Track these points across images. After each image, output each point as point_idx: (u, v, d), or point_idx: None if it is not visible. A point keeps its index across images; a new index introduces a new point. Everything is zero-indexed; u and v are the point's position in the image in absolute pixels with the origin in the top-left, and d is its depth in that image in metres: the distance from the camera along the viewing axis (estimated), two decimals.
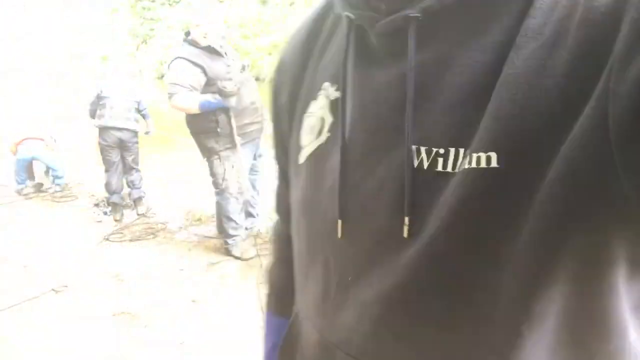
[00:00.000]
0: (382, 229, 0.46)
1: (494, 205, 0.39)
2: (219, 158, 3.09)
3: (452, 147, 0.41)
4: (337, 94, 0.51)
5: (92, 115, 4.22)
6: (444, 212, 0.41)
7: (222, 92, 2.85)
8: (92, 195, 4.82)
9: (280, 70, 0.63)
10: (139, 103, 4.22)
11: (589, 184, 0.35)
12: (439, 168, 0.42)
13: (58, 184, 4.98)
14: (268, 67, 14.96)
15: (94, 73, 20.72)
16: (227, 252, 3.38)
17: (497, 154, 0.38)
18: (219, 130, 2.98)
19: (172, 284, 3.09)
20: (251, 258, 3.32)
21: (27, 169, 4.97)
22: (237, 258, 3.33)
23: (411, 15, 0.41)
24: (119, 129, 4.07)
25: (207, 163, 3.23)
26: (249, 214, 3.54)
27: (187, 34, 3.04)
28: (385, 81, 0.46)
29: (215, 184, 3.24)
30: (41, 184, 5.07)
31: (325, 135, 0.52)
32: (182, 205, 4.87)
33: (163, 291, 3.00)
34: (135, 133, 4.23)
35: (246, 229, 3.52)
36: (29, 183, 5.01)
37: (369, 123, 0.48)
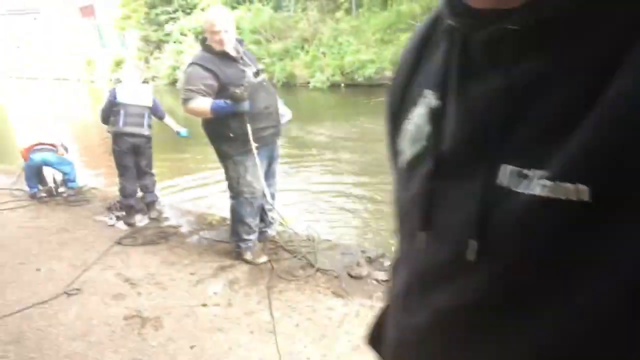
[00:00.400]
0: (456, 245, 0.46)
1: (578, 241, 0.37)
2: (233, 162, 3.11)
3: (539, 169, 0.39)
4: (436, 103, 0.51)
5: (105, 121, 4.25)
6: (519, 238, 0.40)
7: (232, 97, 2.87)
8: (105, 199, 4.87)
9: (394, 74, 0.64)
10: (152, 108, 4.25)
11: None
12: (521, 190, 0.40)
13: (71, 188, 5.04)
14: (280, 73, 15.04)
15: (106, 78, 20.94)
16: (238, 256, 3.38)
17: (589, 188, 0.35)
18: (231, 135, 3.00)
19: (183, 287, 3.10)
20: (262, 263, 3.32)
21: (37, 174, 5.04)
22: (248, 262, 3.33)
23: (509, 27, 0.40)
24: (133, 135, 4.10)
25: (222, 167, 3.27)
26: (262, 219, 3.54)
27: (203, 40, 3.07)
28: (482, 94, 0.45)
29: (230, 187, 3.25)
30: (52, 189, 5.13)
31: (421, 143, 0.53)
32: (194, 209, 4.90)
33: (174, 295, 3.01)
34: (149, 139, 4.25)
35: (259, 233, 3.53)
36: (41, 188, 5.08)
37: (462, 136, 0.47)
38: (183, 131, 4.55)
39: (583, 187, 0.35)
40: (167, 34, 19.07)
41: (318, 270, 3.16)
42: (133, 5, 20.28)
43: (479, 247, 0.43)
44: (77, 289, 3.13)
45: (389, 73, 13.22)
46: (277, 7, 18.35)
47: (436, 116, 0.51)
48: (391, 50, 13.64)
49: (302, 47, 15.64)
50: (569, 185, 0.36)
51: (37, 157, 4.85)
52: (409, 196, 0.55)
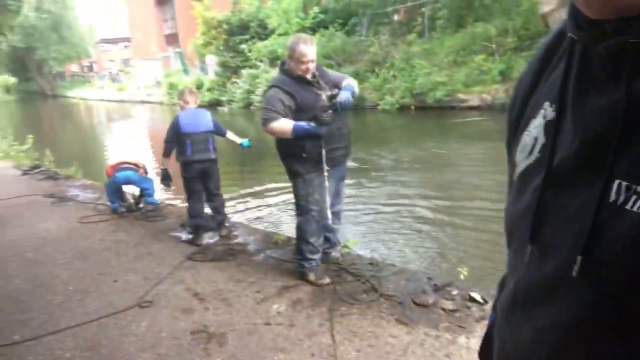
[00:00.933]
0: (561, 262, 0.46)
1: None
2: (303, 180, 3.18)
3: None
4: (553, 115, 0.51)
5: (167, 154, 4.37)
6: (629, 256, 0.39)
7: (318, 120, 2.97)
8: (180, 216, 5.09)
9: (515, 88, 0.65)
10: (214, 131, 4.35)
11: None
12: (634, 208, 0.39)
13: (150, 203, 5.34)
14: None
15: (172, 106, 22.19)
16: (302, 276, 3.38)
17: None
18: (304, 155, 3.09)
19: (248, 305, 3.14)
20: (325, 284, 3.29)
21: (119, 191, 5.39)
22: (311, 283, 3.33)
23: (630, 41, 0.40)
24: (202, 162, 4.24)
25: (291, 186, 3.34)
26: (327, 240, 3.54)
27: (282, 63, 3.21)
28: (599, 107, 0.45)
29: (297, 205, 3.31)
30: (131, 204, 5.46)
31: (535, 155, 0.53)
32: (261, 227, 5.00)
33: (239, 312, 3.06)
34: (215, 161, 4.37)
35: (323, 254, 3.52)
36: (121, 203, 5.42)
37: (576, 149, 0.47)
38: (244, 141, 4.66)
39: None
40: (244, 60, 19.96)
41: (381, 295, 3.09)
42: (213, 32, 21.49)
43: (582, 263, 0.43)
44: (149, 302, 3.27)
45: (461, 95, 12.92)
46: (350, 32, 18.66)
47: (552, 128, 0.51)
48: (464, 72, 13.35)
49: (373, 71, 15.72)
50: None
51: (121, 175, 5.21)
52: (521, 209, 0.55)
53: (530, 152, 0.54)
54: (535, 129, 0.54)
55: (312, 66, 3.08)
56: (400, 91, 13.87)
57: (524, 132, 0.57)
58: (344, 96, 3.04)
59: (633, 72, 0.40)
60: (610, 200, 0.41)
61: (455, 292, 3.02)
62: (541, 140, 0.52)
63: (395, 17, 19.51)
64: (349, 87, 3.16)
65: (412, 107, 13.57)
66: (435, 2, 17.05)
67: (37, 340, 2.89)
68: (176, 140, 4.25)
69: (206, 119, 4.35)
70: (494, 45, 13.27)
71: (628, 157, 0.41)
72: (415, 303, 2.93)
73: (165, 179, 5.03)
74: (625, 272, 0.40)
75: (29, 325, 3.08)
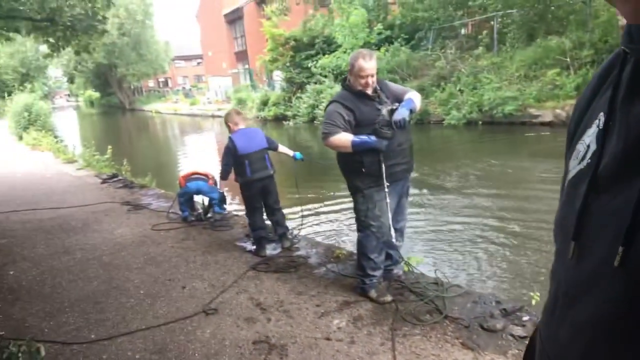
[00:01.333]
0: (602, 255, 0.49)
1: None
2: (363, 195, 3.16)
3: None
4: (604, 122, 0.55)
5: (225, 176, 4.47)
6: None
7: (379, 134, 2.95)
8: (245, 226, 5.22)
9: (576, 102, 0.70)
10: (269, 147, 4.41)
11: None
12: None
13: (218, 213, 5.53)
14: None
15: (253, 115, 22.74)
16: (363, 293, 3.35)
17: None
18: (364, 170, 3.07)
19: (309, 318, 3.15)
20: (387, 302, 3.24)
21: (190, 200, 5.64)
22: (372, 300, 3.28)
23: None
24: (262, 179, 4.32)
25: (352, 201, 3.33)
26: (389, 256, 3.48)
27: (344, 79, 3.24)
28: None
29: (358, 220, 3.29)
30: (200, 214, 5.68)
31: (586, 161, 0.57)
32: (323, 241, 5.01)
33: (300, 325, 3.07)
34: (273, 176, 4.43)
35: (385, 271, 3.47)
36: (191, 212, 5.66)
37: (619, 152, 0.50)
38: (297, 154, 4.74)
39: None
40: (309, 76, 20.32)
41: (446, 317, 2.98)
42: (280, 49, 22.09)
43: (623, 253, 0.45)
44: (214, 309, 3.36)
45: (533, 110, 12.37)
46: (416, 47, 18.49)
47: (602, 134, 0.54)
48: (536, 87, 12.79)
49: (439, 85, 15.45)
50: None
51: (193, 185, 5.45)
52: (568, 212, 0.58)
53: (582, 159, 0.57)
54: (588, 138, 0.57)
55: (371, 80, 3.06)
56: (467, 106, 13.51)
57: (579, 141, 0.60)
58: (399, 116, 2.95)
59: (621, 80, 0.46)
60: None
61: (526, 317, 2.86)
62: (592, 147, 0.56)
63: (463, 31, 19.12)
64: (409, 102, 3.07)
65: (480, 122, 13.16)
66: (505, 16, 16.54)
67: (110, 340, 3.05)
68: (234, 162, 4.33)
69: (260, 137, 4.43)
70: (568, 59, 12.63)
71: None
72: (482, 327, 2.80)
73: (222, 202, 5.20)
74: None
75: (104, 325, 3.26)
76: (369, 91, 3.10)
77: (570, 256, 0.55)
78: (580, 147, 0.59)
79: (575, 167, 0.59)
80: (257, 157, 4.30)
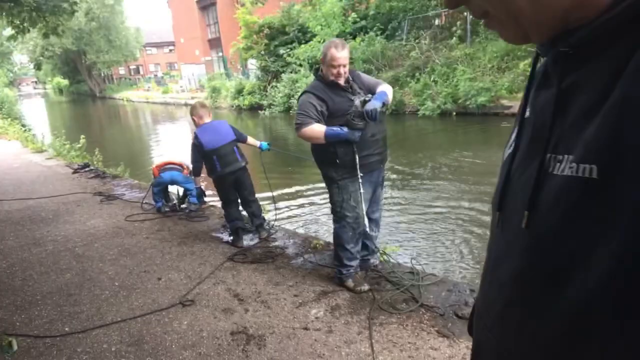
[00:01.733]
0: (517, 222, 0.57)
1: (593, 209, 0.47)
2: (338, 187, 3.17)
3: (569, 154, 0.51)
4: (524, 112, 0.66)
5: (198, 173, 4.42)
6: (555, 208, 0.51)
7: (350, 125, 2.95)
8: (222, 217, 5.19)
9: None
10: (236, 139, 4.33)
11: None
12: (558, 172, 0.52)
13: (193, 203, 5.47)
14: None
15: (228, 104, 22.44)
16: (340, 283, 3.38)
17: (597, 166, 0.46)
18: (337, 161, 3.07)
19: (287, 308, 3.16)
20: (364, 292, 3.28)
21: (164, 190, 5.56)
22: (349, 290, 3.32)
23: (561, 49, 0.55)
24: (233, 172, 4.27)
25: (327, 191, 3.34)
26: (365, 246, 3.52)
27: (317, 69, 3.22)
28: (544, 100, 0.59)
29: (333, 211, 3.31)
30: (175, 205, 5.61)
31: (512, 144, 0.66)
32: (300, 232, 5.02)
33: (278, 315, 3.08)
34: (245, 168, 4.37)
35: (362, 261, 3.51)
36: (165, 203, 5.58)
37: (530, 134, 0.61)
38: (263, 144, 4.66)
39: (593, 166, 0.47)
40: (285, 65, 20.17)
41: (422, 305, 3.04)
42: (254, 37, 21.82)
43: (528, 216, 0.55)
44: (191, 300, 3.34)
45: (505, 101, 12.60)
46: (390, 37, 18.54)
47: (522, 122, 0.64)
48: (509, 78, 13.02)
49: (413, 76, 15.55)
50: (586, 165, 0.48)
51: (167, 175, 5.36)
52: (497, 189, 0.68)
53: (510, 145, 0.67)
54: (515, 127, 0.67)
55: (343, 70, 3.05)
56: (441, 96, 13.67)
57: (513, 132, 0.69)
58: (371, 106, 2.95)
59: (562, 72, 0.55)
60: (545, 169, 0.54)
61: None
62: (515, 131, 0.66)
63: (437, 22, 19.26)
64: (382, 95, 3.08)
65: (454, 113, 13.34)
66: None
67: (85, 332, 3.01)
68: (203, 158, 4.26)
69: (225, 129, 4.33)
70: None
71: (556, 135, 0.54)
72: (457, 315, 2.87)
73: (201, 196, 5.14)
74: (554, 221, 0.52)
75: (78, 318, 3.21)
76: (342, 81, 3.09)
77: (497, 225, 0.64)
78: (512, 135, 0.68)
79: (506, 151, 0.69)
80: (226, 150, 4.22)
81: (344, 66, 3.04)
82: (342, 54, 3.02)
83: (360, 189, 3.15)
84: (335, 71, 3.04)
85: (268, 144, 4.72)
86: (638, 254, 0.43)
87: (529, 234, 0.55)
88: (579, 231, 0.49)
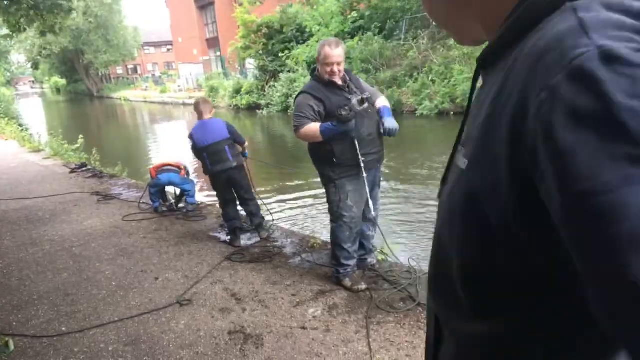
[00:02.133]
0: (441, 193, 0.73)
1: (460, 195, 0.61)
2: (335, 186, 3.16)
3: (463, 147, 0.65)
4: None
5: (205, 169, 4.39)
6: (455, 191, 0.63)
7: (338, 118, 2.94)
8: (219, 217, 5.19)
9: None
10: (231, 138, 4.30)
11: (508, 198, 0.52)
12: (459, 164, 0.64)
13: (191, 204, 5.47)
14: (388, 100, 15.07)
15: (226, 104, 22.39)
16: (338, 282, 3.38)
17: (467, 161, 0.60)
18: (334, 160, 3.06)
19: (284, 308, 3.16)
20: (361, 291, 3.28)
21: (161, 191, 5.55)
22: (347, 289, 3.32)
23: (479, 60, 0.65)
24: (224, 171, 4.25)
25: (325, 191, 3.33)
26: (362, 246, 3.52)
27: (313, 69, 3.21)
28: (474, 100, 0.70)
29: (330, 211, 3.30)
30: (172, 204, 5.60)
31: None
32: (298, 231, 5.02)
33: (275, 314, 3.08)
34: (238, 168, 4.34)
35: (359, 260, 3.51)
36: (162, 202, 5.58)
37: (465, 128, 0.71)
38: (246, 153, 4.64)
39: (465, 160, 0.60)
40: (283, 64, 20.15)
41: (419, 304, 3.04)
42: (253, 37, 21.80)
43: (440, 189, 0.74)
44: (189, 300, 3.34)
45: None
46: (388, 37, 18.54)
47: (465, 116, 0.73)
48: None
49: (411, 75, 15.56)
50: (465, 160, 0.60)
51: (164, 177, 5.35)
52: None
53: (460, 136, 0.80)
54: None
55: (337, 69, 3.04)
56: (439, 96, 13.68)
57: None
58: (391, 124, 3.04)
59: (476, 76, 0.68)
60: (455, 162, 0.66)
61: None
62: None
63: None
64: (388, 109, 3.16)
65: (452, 113, 13.35)
66: None
67: (82, 332, 3.01)
68: (196, 155, 4.34)
69: (218, 128, 4.29)
70: None
71: (466, 132, 0.67)
72: None
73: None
74: (445, 196, 0.68)
75: (75, 317, 3.21)
76: (337, 80, 3.09)
77: (438, 196, 0.76)
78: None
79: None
80: (216, 149, 4.20)
81: (339, 64, 3.03)
82: (336, 52, 3.01)
83: (366, 187, 3.15)
84: (329, 69, 3.03)
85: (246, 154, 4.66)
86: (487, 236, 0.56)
87: (443, 205, 0.69)
88: (455, 209, 0.63)
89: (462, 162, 0.61)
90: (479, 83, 0.70)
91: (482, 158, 0.55)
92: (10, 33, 8.51)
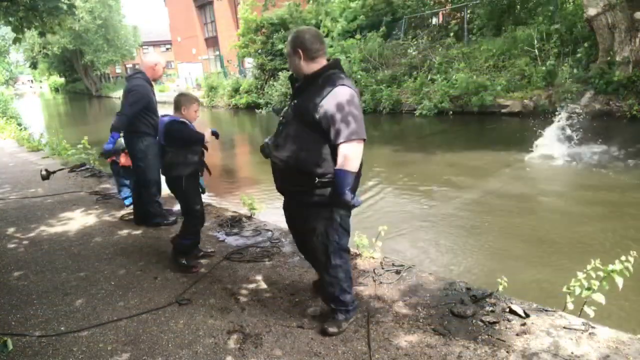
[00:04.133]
0: None
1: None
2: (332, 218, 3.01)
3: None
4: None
5: None
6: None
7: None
8: (218, 216, 5.18)
9: None
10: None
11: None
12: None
13: None
14: (386, 100, 15.06)
15: (224, 103, 22.24)
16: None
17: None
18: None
19: (283, 307, 3.16)
20: (360, 290, 3.28)
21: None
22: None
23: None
24: None
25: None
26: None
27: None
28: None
29: (330, 252, 3.11)
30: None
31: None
32: None
33: (274, 313, 3.08)
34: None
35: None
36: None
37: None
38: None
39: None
40: (282, 63, 20.14)
41: (418, 303, 3.04)
42: (251, 36, 21.77)
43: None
44: (188, 299, 3.34)
45: (501, 100, 12.62)
46: (387, 36, 18.53)
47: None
48: (505, 77, 13.04)
49: (410, 75, 15.56)
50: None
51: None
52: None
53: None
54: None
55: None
56: (438, 95, 13.67)
57: None
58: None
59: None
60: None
61: (495, 303, 2.95)
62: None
63: (434, 21, 19.27)
64: (343, 176, 2.37)
65: (451, 112, 13.35)
66: (475, 6, 16.75)
67: (81, 332, 3.00)
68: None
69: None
70: (535, 50, 12.91)
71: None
72: (453, 314, 2.88)
73: None
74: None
75: (74, 317, 3.20)
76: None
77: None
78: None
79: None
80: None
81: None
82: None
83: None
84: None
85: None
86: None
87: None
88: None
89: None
90: None
91: None
92: (18, 38, 8.47)
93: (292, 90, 2.69)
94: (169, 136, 3.67)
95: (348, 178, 2.35)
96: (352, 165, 2.35)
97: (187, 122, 3.74)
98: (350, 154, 2.33)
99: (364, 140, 2.40)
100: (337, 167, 2.36)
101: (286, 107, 2.66)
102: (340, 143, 2.33)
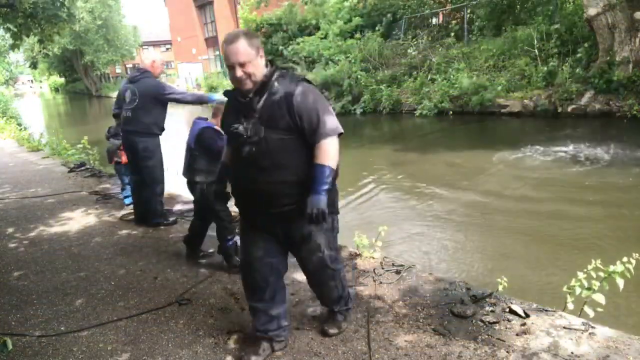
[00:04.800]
0: None
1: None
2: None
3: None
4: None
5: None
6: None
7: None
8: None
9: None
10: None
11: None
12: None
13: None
14: (386, 100, 15.06)
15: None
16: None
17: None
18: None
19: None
20: (359, 290, 3.28)
21: None
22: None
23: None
24: None
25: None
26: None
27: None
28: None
29: (330, 262, 3.05)
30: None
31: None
32: None
33: None
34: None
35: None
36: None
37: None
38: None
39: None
40: (282, 62, 20.14)
41: (418, 304, 3.04)
42: None
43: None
44: (188, 300, 3.33)
45: (501, 100, 12.61)
46: (387, 36, 18.53)
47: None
48: (505, 77, 13.04)
49: (410, 75, 15.56)
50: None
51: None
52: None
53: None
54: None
55: (240, 73, 2.22)
56: (439, 95, 13.67)
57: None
58: (314, 203, 2.21)
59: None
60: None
61: (495, 303, 2.95)
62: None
63: (434, 21, 19.27)
64: (322, 172, 2.23)
65: (451, 112, 13.35)
66: (475, 6, 16.75)
67: (81, 332, 3.00)
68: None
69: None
70: (535, 50, 12.90)
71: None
72: (453, 314, 2.88)
73: None
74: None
75: (74, 317, 3.20)
76: (245, 88, 2.27)
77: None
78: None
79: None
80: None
81: (242, 66, 2.19)
82: (232, 49, 2.18)
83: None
84: (231, 75, 2.27)
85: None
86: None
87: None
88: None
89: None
90: None
91: None
92: (16, 43, 8.45)
93: (236, 106, 2.35)
94: (200, 142, 3.67)
95: (329, 174, 2.21)
96: (334, 162, 2.24)
97: (222, 131, 3.69)
98: (332, 150, 2.22)
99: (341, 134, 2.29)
100: (319, 162, 2.21)
101: (238, 128, 2.29)
102: (322, 139, 2.21)
